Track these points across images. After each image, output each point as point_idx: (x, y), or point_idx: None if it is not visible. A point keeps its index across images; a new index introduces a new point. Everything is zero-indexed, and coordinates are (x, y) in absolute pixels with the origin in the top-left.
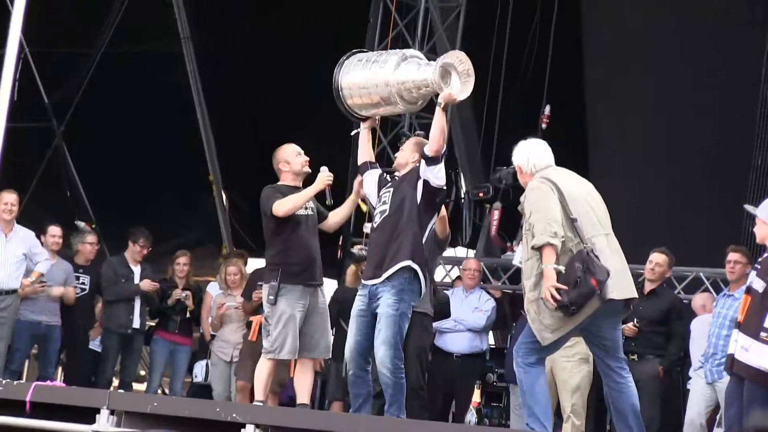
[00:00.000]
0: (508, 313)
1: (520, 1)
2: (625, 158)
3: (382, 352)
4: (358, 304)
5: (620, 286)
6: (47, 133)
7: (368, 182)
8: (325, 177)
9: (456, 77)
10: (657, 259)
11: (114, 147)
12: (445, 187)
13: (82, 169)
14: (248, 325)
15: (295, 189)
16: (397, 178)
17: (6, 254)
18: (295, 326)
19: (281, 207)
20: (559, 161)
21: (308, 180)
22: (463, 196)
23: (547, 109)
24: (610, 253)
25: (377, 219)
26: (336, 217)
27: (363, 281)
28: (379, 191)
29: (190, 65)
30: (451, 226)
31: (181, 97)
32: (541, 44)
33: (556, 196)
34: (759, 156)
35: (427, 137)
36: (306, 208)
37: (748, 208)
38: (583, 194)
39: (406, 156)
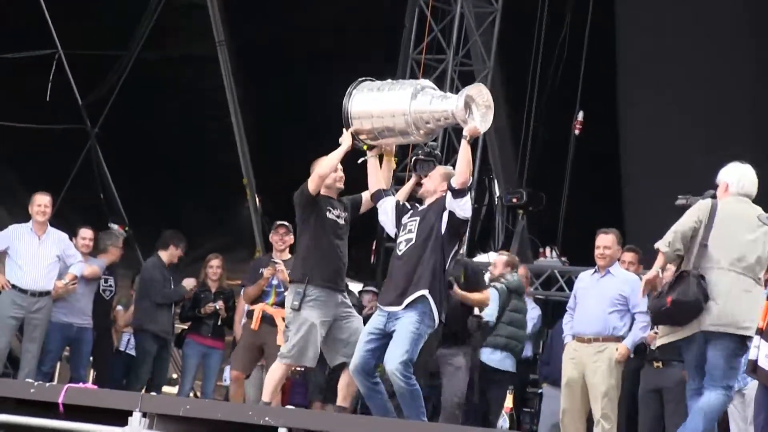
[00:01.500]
0: (541, 320)
1: (554, 6)
2: (658, 165)
3: (393, 365)
4: (375, 322)
5: (719, 323)
6: (81, 134)
7: (384, 211)
8: (348, 136)
9: (476, 109)
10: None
11: (147, 149)
12: (469, 219)
13: (116, 172)
14: (249, 314)
15: (327, 198)
16: (418, 207)
17: (39, 256)
18: (316, 335)
19: (313, 177)
20: (591, 167)
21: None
22: (496, 201)
23: (581, 115)
24: (724, 290)
25: (402, 247)
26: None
27: (381, 306)
28: (398, 218)
29: (224, 69)
30: (485, 232)
31: (216, 100)
32: (575, 49)
33: (703, 217)
34: None
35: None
36: (337, 216)
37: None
38: (740, 231)
39: (434, 185)
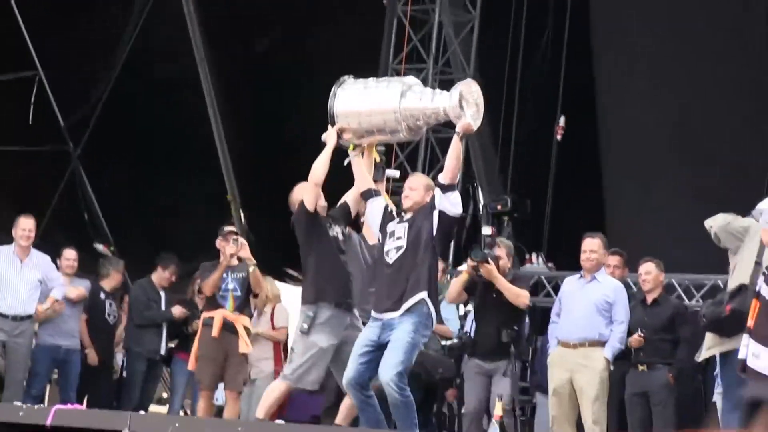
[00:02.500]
0: (533, 328)
1: (532, 13)
2: (640, 165)
3: (388, 375)
4: (369, 333)
5: None
6: (64, 156)
7: (372, 210)
8: (333, 133)
9: (467, 107)
10: (645, 268)
11: (131, 169)
12: (461, 215)
13: (100, 192)
14: (206, 322)
15: (316, 216)
16: (403, 215)
17: (21, 280)
18: (323, 360)
19: (308, 188)
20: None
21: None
22: (481, 209)
23: (562, 120)
24: None
25: (393, 255)
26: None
27: (375, 314)
28: (384, 223)
29: (206, 86)
30: (470, 240)
31: (198, 118)
32: (555, 55)
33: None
34: None
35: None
36: (337, 233)
37: (755, 213)
38: None
39: (421, 197)
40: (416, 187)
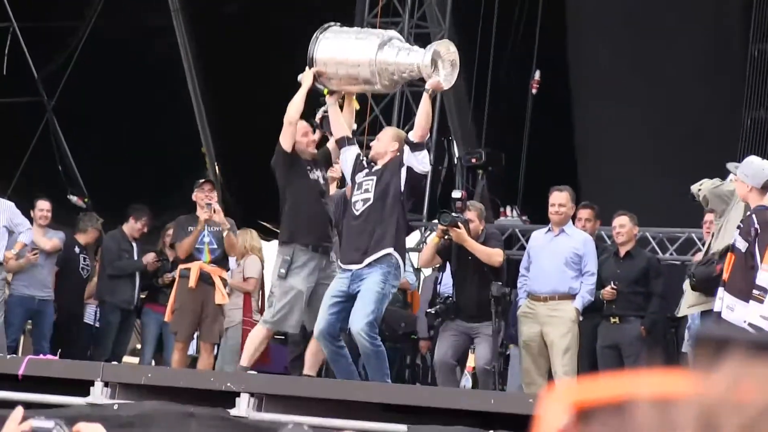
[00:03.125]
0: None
1: None
2: (611, 120)
3: (359, 325)
4: (338, 284)
5: None
6: (38, 107)
7: (345, 159)
8: (309, 74)
9: (442, 66)
10: (620, 221)
11: (105, 121)
12: (428, 172)
13: (74, 143)
14: (182, 273)
15: (305, 160)
16: (373, 165)
17: None
18: (302, 303)
19: (284, 127)
20: (546, 127)
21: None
22: (456, 163)
23: (537, 74)
24: None
25: (360, 206)
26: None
27: (342, 265)
28: (354, 173)
29: (180, 38)
30: (446, 193)
31: (173, 70)
32: (531, 10)
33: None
34: (748, 116)
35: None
36: (318, 177)
37: (730, 166)
38: None
39: (384, 146)
40: (382, 137)
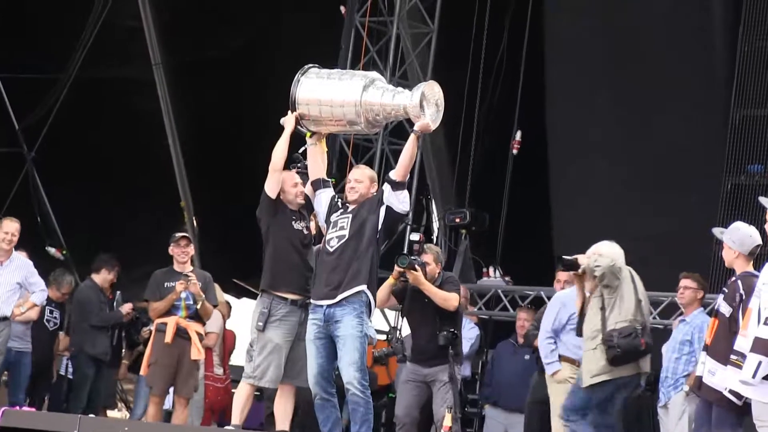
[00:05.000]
0: (485, 341)
1: (490, 28)
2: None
3: (350, 373)
4: (314, 328)
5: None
6: (18, 158)
7: (320, 201)
8: (292, 118)
9: (427, 107)
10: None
11: (85, 173)
12: (408, 213)
13: (53, 195)
14: (159, 328)
15: (291, 210)
16: (348, 206)
17: (1, 283)
18: (280, 357)
19: (269, 174)
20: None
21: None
22: (435, 221)
23: (518, 135)
24: None
25: (334, 243)
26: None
27: (314, 301)
28: (329, 213)
29: (161, 91)
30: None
31: (153, 123)
32: (512, 70)
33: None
34: (728, 180)
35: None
36: (303, 227)
37: (715, 231)
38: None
39: (364, 191)
40: (362, 179)
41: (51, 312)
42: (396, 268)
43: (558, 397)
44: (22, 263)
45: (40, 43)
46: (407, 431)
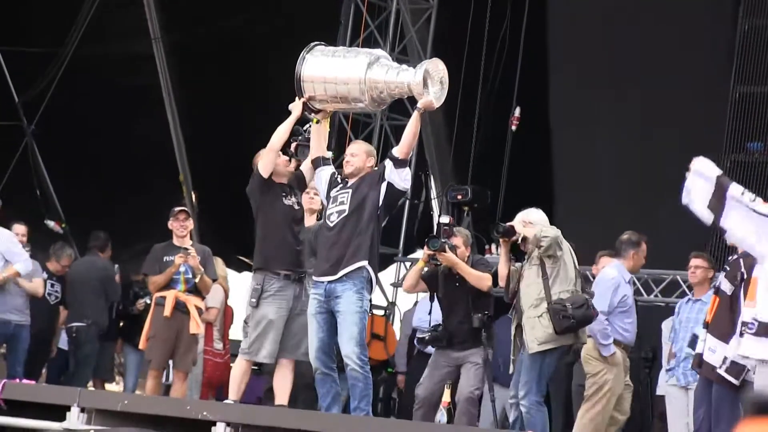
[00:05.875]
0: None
1: (491, 4)
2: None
3: (350, 348)
4: (315, 303)
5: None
6: (17, 132)
7: (320, 178)
8: (299, 104)
9: (432, 84)
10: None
11: (84, 147)
12: (408, 190)
13: (52, 169)
14: (158, 302)
15: (280, 185)
16: (348, 181)
17: None
18: (275, 332)
19: (264, 153)
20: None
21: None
22: (433, 197)
23: (517, 111)
24: None
25: (334, 218)
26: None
27: (315, 278)
28: (329, 189)
29: (160, 65)
30: (423, 227)
31: (152, 97)
32: (512, 46)
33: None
34: (726, 158)
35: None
36: (293, 203)
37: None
38: None
39: (362, 162)
40: (357, 153)
41: (52, 285)
42: (426, 250)
43: (616, 380)
44: (2, 235)
45: (40, 17)
46: (424, 413)
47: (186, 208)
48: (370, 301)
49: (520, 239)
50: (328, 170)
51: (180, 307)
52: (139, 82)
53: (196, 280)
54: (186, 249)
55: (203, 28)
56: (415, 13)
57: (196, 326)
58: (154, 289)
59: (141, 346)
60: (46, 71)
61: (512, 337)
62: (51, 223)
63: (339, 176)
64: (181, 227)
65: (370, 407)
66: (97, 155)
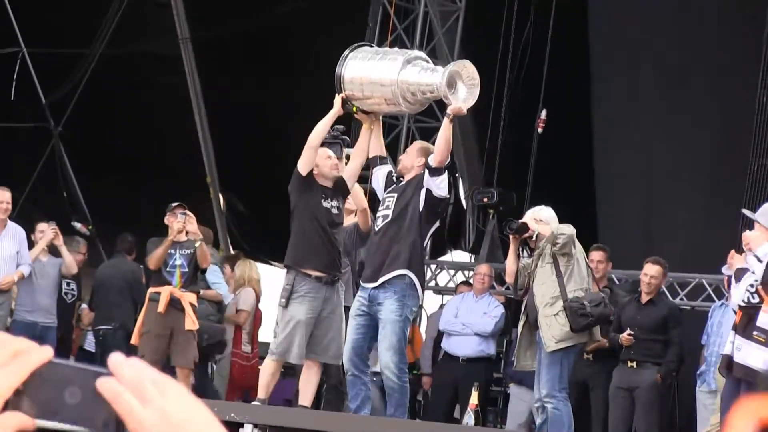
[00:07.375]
0: (510, 320)
1: (519, 6)
2: (629, 163)
3: (388, 357)
4: (358, 304)
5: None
6: (44, 133)
7: (377, 177)
8: (339, 101)
9: (462, 86)
10: (653, 272)
11: (111, 148)
12: (447, 198)
13: (79, 170)
14: (152, 297)
15: (322, 187)
16: (400, 181)
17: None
18: (302, 333)
19: (304, 151)
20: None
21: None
22: (463, 200)
23: (543, 114)
24: None
25: (379, 222)
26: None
27: (362, 283)
28: (385, 190)
29: (188, 66)
30: (453, 231)
31: (179, 98)
32: (538, 48)
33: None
34: (755, 162)
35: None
36: (332, 206)
37: (746, 212)
38: None
39: (411, 160)
40: (410, 150)
41: (68, 284)
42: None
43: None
44: (17, 233)
45: (68, 18)
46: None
47: (182, 203)
48: (421, 306)
49: (535, 236)
50: (384, 169)
51: (174, 304)
52: (167, 82)
53: (196, 245)
54: (183, 212)
55: (231, 28)
56: (444, 15)
57: (191, 323)
58: (154, 264)
59: (133, 341)
60: (73, 72)
61: (518, 334)
62: (78, 225)
63: (395, 176)
64: (177, 222)
65: (405, 417)
66: (123, 156)
